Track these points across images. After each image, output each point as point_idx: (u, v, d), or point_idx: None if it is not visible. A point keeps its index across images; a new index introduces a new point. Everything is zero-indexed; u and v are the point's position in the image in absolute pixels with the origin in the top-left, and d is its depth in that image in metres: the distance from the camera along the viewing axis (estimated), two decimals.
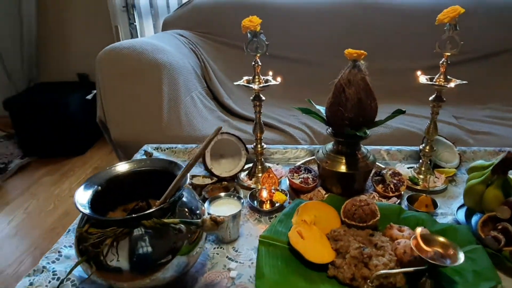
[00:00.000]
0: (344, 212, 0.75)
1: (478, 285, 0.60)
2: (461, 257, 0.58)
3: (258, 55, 0.86)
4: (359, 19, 1.78)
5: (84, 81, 2.52)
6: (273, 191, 0.87)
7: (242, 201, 0.78)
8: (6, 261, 1.43)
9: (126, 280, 0.56)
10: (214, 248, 0.73)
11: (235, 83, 0.90)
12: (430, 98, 0.87)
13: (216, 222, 0.58)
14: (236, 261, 0.70)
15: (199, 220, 0.59)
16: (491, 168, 0.72)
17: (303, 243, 0.68)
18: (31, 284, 0.62)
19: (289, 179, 0.90)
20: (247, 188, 0.94)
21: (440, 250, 0.61)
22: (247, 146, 1.01)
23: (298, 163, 0.99)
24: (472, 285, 0.60)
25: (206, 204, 0.77)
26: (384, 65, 1.72)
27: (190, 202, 0.65)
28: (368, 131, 0.81)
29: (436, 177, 0.93)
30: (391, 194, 0.86)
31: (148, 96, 1.35)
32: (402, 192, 0.86)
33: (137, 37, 2.35)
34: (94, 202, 0.61)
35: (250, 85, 0.88)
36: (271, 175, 0.88)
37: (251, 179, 0.97)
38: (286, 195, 0.87)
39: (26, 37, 2.34)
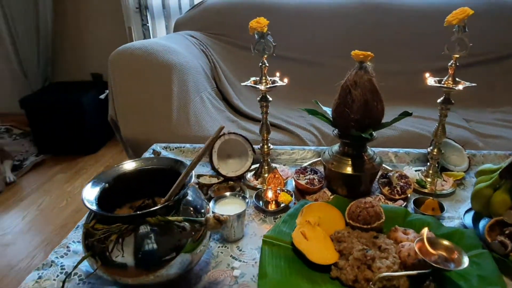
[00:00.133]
0: (349, 214, 0.75)
1: None
2: (466, 261, 0.57)
3: (265, 56, 0.86)
4: (367, 20, 1.77)
5: (98, 80, 2.57)
6: (278, 191, 0.87)
7: (247, 200, 0.79)
8: (20, 255, 1.47)
9: (131, 276, 0.57)
10: (219, 247, 0.74)
11: (242, 84, 0.91)
12: (438, 101, 0.86)
13: (219, 221, 0.59)
14: (240, 260, 0.70)
15: (203, 219, 0.59)
16: (499, 172, 0.70)
17: (307, 243, 0.69)
18: (40, 277, 0.64)
19: (295, 180, 0.91)
20: (253, 188, 0.94)
21: (444, 253, 0.61)
22: (254, 146, 1.01)
23: (305, 164, 0.99)
24: None
25: (211, 203, 0.77)
26: (393, 67, 1.70)
27: (195, 200, 0.66)
28: (374, 133, 0.81)
29: (444, 180, 0.91)
30: (397, 197, 0.85)
31: (158, 96, 1.38)
32: (409, 195, 0.86)
33: (149, 37, 2.39)
34: (101, 199, 0.62)
35: (257, 86, 0.88)
36: (276, 176, 0.89)
37: (257, 179, 0.98)
38: (291, 196, 0.87)
39: (43, 37, 2.40)
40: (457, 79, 0.83)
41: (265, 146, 0.98)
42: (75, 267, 0.58)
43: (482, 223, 0.73)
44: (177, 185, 0.62)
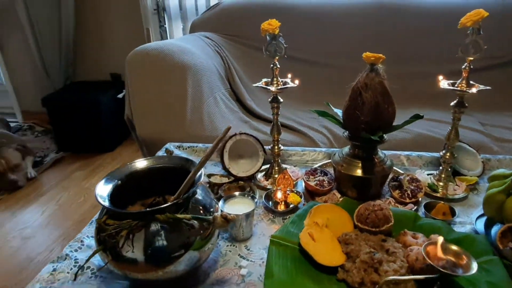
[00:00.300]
0: (357, 216, 0.75)
1: None
2: (474, 267, 0.57)
3: (277, 57, 0.87)
4: (380, 22, 1.76)
5: (117, 80, 2.63)
6: (288, 192, 0.88)
7: (255, 200, 0.80)
8: (38, 248, 1.53)
9: (140, 271, 0.59)
10: (227, 246, 0.75)
11: (254, 85, 0.92)
12: (452, 104, 0.84)
13: (227, 220, 0.60)
14: (248, 260, 0.71)
15: (211, 217, 0.61)
16: None
17: (314, 245, 0.69)
18: (54, 270, 0.67)
19: (304, 181, 0.91)
20: (263, 188, 0.95)
21: (453, 258, 0.60)
22: (265, 147, 1.02)
23: (315, 166, 1.00)
24: None
25: (220, 203, 0.79)
26: (407, 69, 1.68)
27: (204, 199, 0.67)
28: (385, 136, 0.81)
29: (456, 184, 0.90)
30: (407, 200, 0.84)
31: (173, 96, 1.40)
32: (420, 199, 0.85)
33: (166, 38, 2.43)
34: (114, 196, 0.64)
35: (268, 87, 0.89)
36: (286, 177, 0.89)
37: (267, 180, 0.99)
38: (300, 197, 0.87)
39: (64, 38, 2.48)
40: (471, 82, 0.81)
41: (276, 147, 0.98)
42: (87, 260, 0.61)
43: (495, 229, 0.71)
44: (186, 183, 0.63)
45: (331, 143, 1.34)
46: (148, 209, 0.59)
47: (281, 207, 0.86)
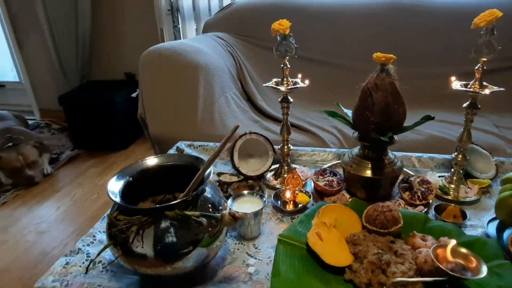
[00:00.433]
0: (366, 217, 0.74)
1: None
2: (484, 270, 0.56)
3: (287, 57, 0.88)
4: (391, 22, 1.74)
5: (131, 80, 2.68)
6: (297, 192, 0.88)
7: (264, 199, 0.80)
8: (53, 243, 1.57)
9: (149, 266, 0.60)
10: (235, 244, 0.76)
11: (264, 85, 0.93)
12: (464, 105, 0.83)
13: (235, 218, 0.61)
14: (255, 258, 0.72)
15: (219, 215, 0.62)
16: None
17: (322, 244, 0.69)
18: (67, 263, 0.69)
19: (313, 181, 0.91)
20: (273, 188, 0.96)
21: (462, 262, 0.59)
22: (275, 147, 1.02)
23: (324, 166, 0.99)
24: None
25: (229, 201, 0.79)
26: (420, 70, 1.66)
27: (213, 197, 0.68)
28: (395, 137, 0.80)
29: (468, 187, 0.89)
30: (418, 202, 0.83)
31: (185, 95, 1.42)
32: (430, 201, 0.84)
33: (180, 38, 2.45)
34: (126, 192, 0.66)
35: (278, 87, 0.89)
36: (295, 176, 0.90)
37: (276, 179, 0.99)
38: (309, 196, 0.88)
39: (81, 39, 2.53)
40: (484, 83, 0.80)
41: (285, 147, 0.99)
42: (98, 254, 0.62)
43: (507, 233, 0.70)
44: (195, 181, 0.64)
45: (341, 144, 1.33)
46: (157, 205, 0.60)
47: (290, 207, 0.87)
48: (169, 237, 0.60)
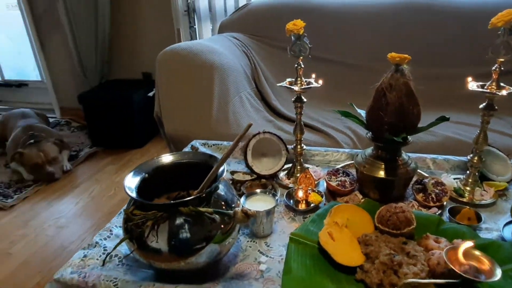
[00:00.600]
0: (378, 218, 0.74)
1: None
2: (498, 273, 0.55)
3: (301, 57, 0.88)
4: (406, 22, 1.71)
5: (148, 79, 2.72)
6: (309, 191, 0.88)
7: (276, 198, 0.81)
8: (72, 237, 1.61)
9: (163, 261, 0.62)
10: (248, 241, 0.77)
11: (278, 84, 0.94)
12: (481, 106, 0.82)
13: (247, 215, 0.62)
14: (267, 256, 0.73)
15: (231, 212, 0.63)
16: None
17: (333, 244, 0.69)
18: (85, 256, 0.71)
19: (326, 181, 0.91)
20: (285, 187, 0.96)
21: (475, 264, 0.59)
22: (288, 146, 1.03)
23: (337, 166, 0.99)
24: None
25: (242, 199, 0.80)
26: (436, 71, 1.63)
27: (226, 194, 0.69)
28: (410, 138, 0.80)
29: (484, 190, 0.87)
30: (431, 204, 0.83)
31: (200, 94, 1.44)
32: (445, 203, 0.83)
33: (196, 39, 2.48)
34: (142, 188, 0.68)
35: (292, 87, 0.90)
36: (308, 176, 0.90)
37: (289, 179, 1.00)
38: (322, 196, 0.88)
39: (100, 38, 2.60)
40: (501, 84, 0.79)
41: (298, 146, 0.99)
42: (114, 247, 0.64)
43: None
44: (208, 178, 0.66)
45: (355, 144, 1.32)
46: (172, 201, 0.62)
47: (302, 206, 0.87)
48: (183, 232, 0.61)
